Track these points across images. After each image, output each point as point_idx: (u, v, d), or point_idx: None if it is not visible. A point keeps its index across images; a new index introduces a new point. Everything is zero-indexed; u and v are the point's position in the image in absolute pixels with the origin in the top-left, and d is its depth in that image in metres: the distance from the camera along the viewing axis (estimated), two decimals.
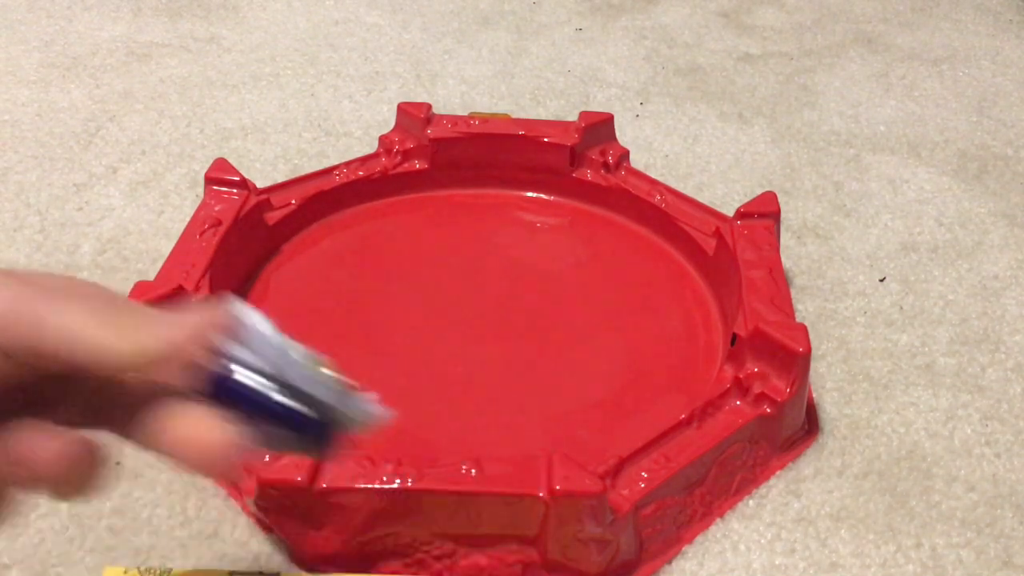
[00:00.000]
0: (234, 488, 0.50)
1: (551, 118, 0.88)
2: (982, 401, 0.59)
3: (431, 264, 0.68)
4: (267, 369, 0.28)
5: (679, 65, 1.00)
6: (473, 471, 0.45)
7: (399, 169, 0.73)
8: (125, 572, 0.44)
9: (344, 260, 0.67)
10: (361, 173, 0.71)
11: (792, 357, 0.52)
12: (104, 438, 0.28)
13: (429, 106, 0.73)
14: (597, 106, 0.91)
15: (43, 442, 0.26)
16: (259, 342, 0.29)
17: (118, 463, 0.52)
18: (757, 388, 0.52)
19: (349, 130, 0.85)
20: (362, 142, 0.83)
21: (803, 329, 0.53)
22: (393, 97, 0.90)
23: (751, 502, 0.52)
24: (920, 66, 1.02)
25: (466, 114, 0.74)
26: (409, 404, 0.57)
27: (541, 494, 0.44)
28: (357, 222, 0.71)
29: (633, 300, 0.65)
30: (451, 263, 0.68)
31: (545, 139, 0.72)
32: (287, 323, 0.63)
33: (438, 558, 0.47)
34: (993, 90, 0.98)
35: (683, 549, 0.50)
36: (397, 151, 0.73)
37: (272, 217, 0.67)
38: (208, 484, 0.51)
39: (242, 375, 0.28)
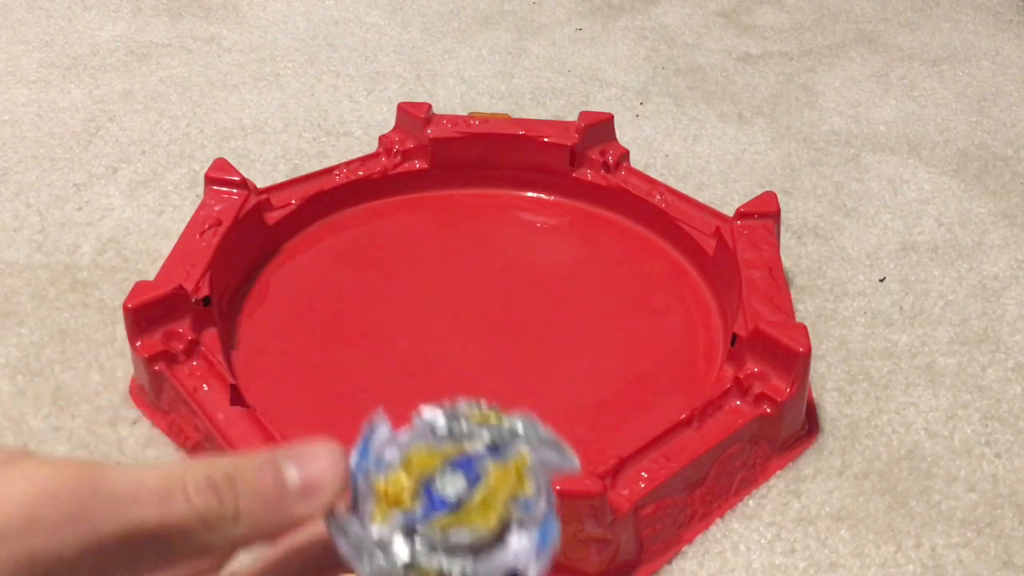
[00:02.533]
0: None
1: (551, 118, 0.88)
2: (982, 401, 0.59)
3: (431, 264, 0.68)
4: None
5: (679, 65, 1.00)
6: None
7: (399, 169, 0.73)
8: None
9: (344, 260, 0.67)
10: (361, 173, 0.71)
11: (792, 357, 0.52)
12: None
13: (429, 106, 0.73)
14: (597, 106, 0.91)
15: None
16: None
17: (118, 463, 0.52)
18: (757, 388, 0.52)
19: (349, 130, 0.85)
20: (362, 142, 0.83)
21: (803, 329, 0.53)
22: (393, 97, 0.90)
23: (751, 502, 0.52)
24: (920, 66, 1.02)
25: (466, 114, 0.74)
26: (409, 404, 0.57)
27: None
28: (357, 222, 0.71)
29: (633, 300, 0.65)
30: (451, 263, 0.68)
31: (545, 139, 0.72)
32: (287, 323, 0.63)
33: None
34: (993, 90, 0.98)
35: (683, 549, 0.50)
36: (397, 151, 0.73)
37: (272, 217, 0.67)
38: None
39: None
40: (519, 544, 0.25)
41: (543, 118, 0.88)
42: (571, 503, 0.44)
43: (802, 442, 0.56)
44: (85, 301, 0.64)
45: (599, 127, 0.73)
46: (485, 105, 0.91)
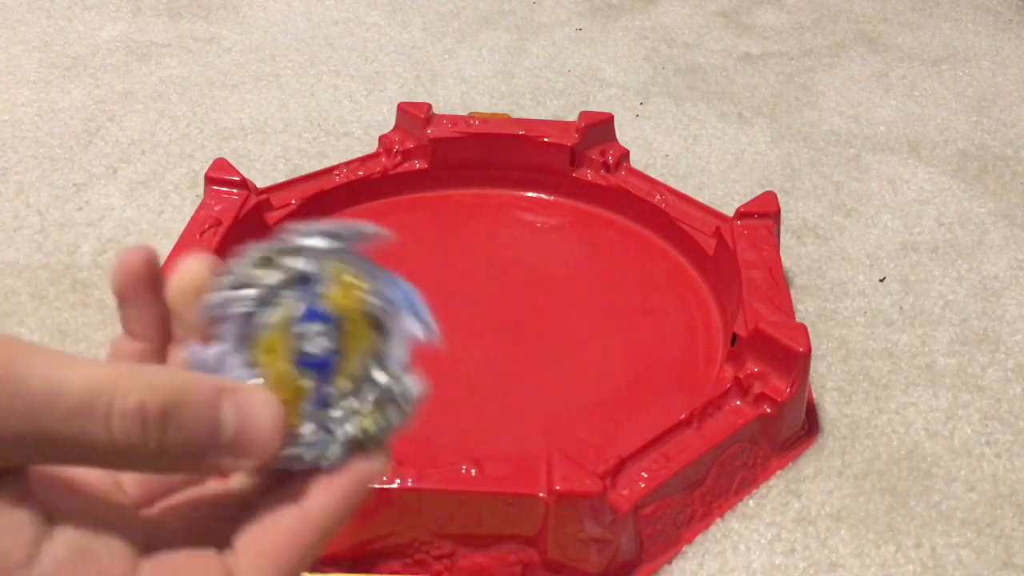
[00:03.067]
0: None
1: (551, 118, 0.88)
2: (982, 401, 0.59)
3: (431, 264, 0.68)
4: None
5: (679, 65, 1.00)
6: (473, 471, 0.45)
7: (399, 169, 0.73)
8: None
9: None
10: (361, 173, 0.71)
11: (792, 357, 0.52)
12: None
13: (429, 106, 0.73)
14: (597, 106, 0.91)
15: None
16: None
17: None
18: (757, 388, 0.52)
19: (349, 130, 0.85)
20: (362, 142, 0.83)
21: (803, 329, 0.53)
22: (393, 97, 0.90)
23: (751, 502, 0.52)
24: (920, 66, 1.02)
25: (466, 114, 0.74)
26: None
27: (541, 494, 0.44)
28: None
29: (633, 300, 0.65)
30: (451, 263, 0.68)
31: (545, 139, 0.72)
32: None
33: (438, 558, 0.47)
34: (993, 90, 0.98)
35: (683, 549, 0.50)
36: (397, 151, 0.73)
37: (272, 217, 0.67)
38: None
39: None
40: (403, 323, 0.25)
41: (543, 118, 0.88)
42: (571, 503, 0.44)
43: (802, 442, 0.56)
44: (85, 301, 0.64)
45: (599, 127, 0.73)
46: (485, 105, 0.91)
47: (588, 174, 0.72)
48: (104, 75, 0.92)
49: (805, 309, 0.66)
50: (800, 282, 0.69)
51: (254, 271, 0.24)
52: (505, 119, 0.74)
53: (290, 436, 0.24)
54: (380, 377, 0.24)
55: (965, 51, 1.05)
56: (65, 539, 0.21)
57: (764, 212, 0.64)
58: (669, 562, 0.49)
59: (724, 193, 0.79)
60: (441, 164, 0.73)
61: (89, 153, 0.80)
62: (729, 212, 0.66)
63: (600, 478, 0.45)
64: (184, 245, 0.60)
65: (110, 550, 0.22)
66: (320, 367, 0.24)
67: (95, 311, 0.63)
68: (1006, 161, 0.85)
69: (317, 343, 0.24)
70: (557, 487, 0.44)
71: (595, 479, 0.45)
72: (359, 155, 0.74)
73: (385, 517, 0.45)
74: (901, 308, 0.67)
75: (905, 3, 1.17)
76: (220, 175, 0.65)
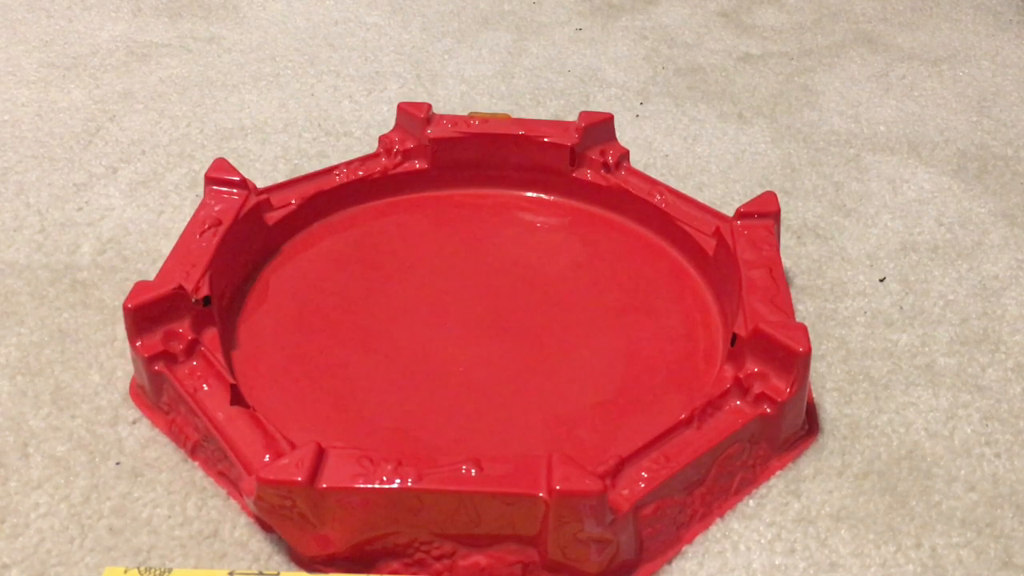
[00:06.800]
0: (234, 488, 0.50)
1: (551, 118, 0.88)
2: (982, 401, 0.59)
3: (431, 264, 0.68)
4: None
5: (679, 65, 1.00)
6: (473, 471, 0.45)
7: (399, 169, 0.73)
8: (125, 572, 0.44)
9: (344, 260, 0.67)
10: (361, 173, 0.71)
11: (792, 357, 0.52)
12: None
13: (429, 106, 0.73)
14: (597, 106, 0.91)
15: None
16: None
17: (118, 463, 0.52)
18: (757, 388, 0.53)
19: (349, 130, 0.85)
20: (362, 142, 0.83)
21: (803, 329, 0.53)
22: (393, 97, 0.90)
23: (751, 502, 0.52)
24: (920, 66, 1.02)
25: (466, 114, 0.75)
26: (409, 404, 0.57)
27: (541, 494, 0.44)
28: (357, 222, 0.71)
29: (633, 300, 0.65)
30: (451, 263, 0.68)
31: (545, 139, 0.72)
32: (287, 323, 0.63)
33: (438, 558, 0.47)
34: (993, 90, 0.98)
35: (683, 549, 0.50)
36: (397, 151, 0.73)
37: (272, 217, 0.67)
38: (208, 484, 0.51)
39: None
40: None
41: (543, 118, 0.88)
42: (571, 503, 0.44)
43: (802, 442, 0.56)
44: (85, 301, 0.64)
45: (599, 127, 0.73)
46: (485, 105, 0.91)
47: (588, 174, 0.72)
48: (104, 75, 0.92)
49: (805, 309, 0.66)
50: (800, 282, 0.69)
51: None
52: (505, 119, 0.74)
53: None
54: None
55: (965, 51, 1.05)
56: None
57: (764, 212, 0.64)
58: (669, 562, 0.49)
59: (724, 193, 0.79)
60: (441, 164, 0.73)
61: (89, 153, 0.80)
62: (729, 212, 0.66)
63: (600, 478, 0.45)
64: (184, 245, 0.60)
65: None
66: None
67: (95, 311, 0.63)
68: (1006, 161, 0.85)
69: None
70: (557, 487, 0.44)
71: (595, 479, 0.45)
72: (359, 155, 0.74)
73: (385, 517, 0.45)
74: (901, 308, 0.67)
75: (905, 3, 1.17)
76: (220, 175, 0.65)
